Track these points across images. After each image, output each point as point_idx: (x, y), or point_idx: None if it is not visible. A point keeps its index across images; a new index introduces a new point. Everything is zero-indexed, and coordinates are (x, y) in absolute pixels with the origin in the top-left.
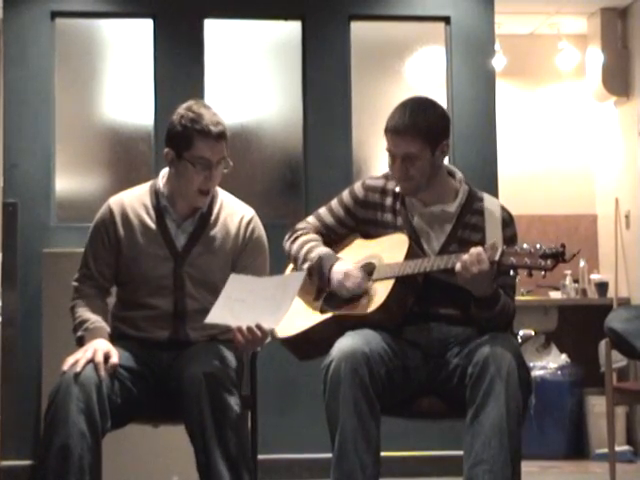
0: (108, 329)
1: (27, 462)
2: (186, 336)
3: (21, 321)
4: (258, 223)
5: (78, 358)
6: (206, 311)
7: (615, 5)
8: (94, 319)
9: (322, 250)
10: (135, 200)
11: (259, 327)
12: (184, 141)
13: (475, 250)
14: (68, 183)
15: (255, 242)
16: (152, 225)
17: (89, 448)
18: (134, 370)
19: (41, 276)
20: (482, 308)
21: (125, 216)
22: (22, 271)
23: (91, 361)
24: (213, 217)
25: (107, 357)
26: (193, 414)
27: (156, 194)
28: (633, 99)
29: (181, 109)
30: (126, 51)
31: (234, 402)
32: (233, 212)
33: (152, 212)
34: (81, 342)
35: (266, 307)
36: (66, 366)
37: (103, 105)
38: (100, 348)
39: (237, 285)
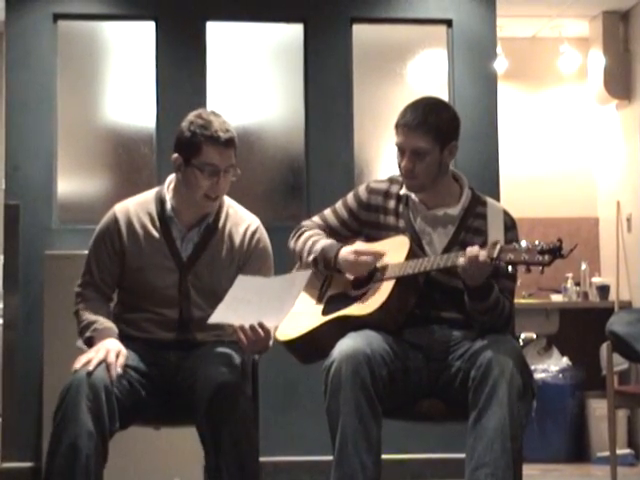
0: (116, 330)
1: (28, 464)
2: (193, 337)
3: (22, 323)
4: (263, 233)
5: (90, 357)
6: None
7: (617, 8)
8: (102, 320)
9: (326, 241)
10: (140, 209)
11: (261, 325)
12: (193, 147)
13: (473, 249)
14: (70, 185)
15: (260, 252)
16: (157, 235)
17: (96, 449)
18: (141, 371)
19: (43, 278)
20: (475, 300)
21: (130, 225)
22: (24, 273)
23: (103, 361)
24: (219, 228)
25: (118, 357)
26: (207, 417)
27: (161, 203)
28: (635, 102)
29: (191, 116)
30: (128, 53)
31: (249, 406)
32: (238, 222)
33: (157, 222)
34: (90, 343)
35: (270, 306)
36: (78, 365)
37: (105, 107)
38: (112, 349)
39: (244, 285)
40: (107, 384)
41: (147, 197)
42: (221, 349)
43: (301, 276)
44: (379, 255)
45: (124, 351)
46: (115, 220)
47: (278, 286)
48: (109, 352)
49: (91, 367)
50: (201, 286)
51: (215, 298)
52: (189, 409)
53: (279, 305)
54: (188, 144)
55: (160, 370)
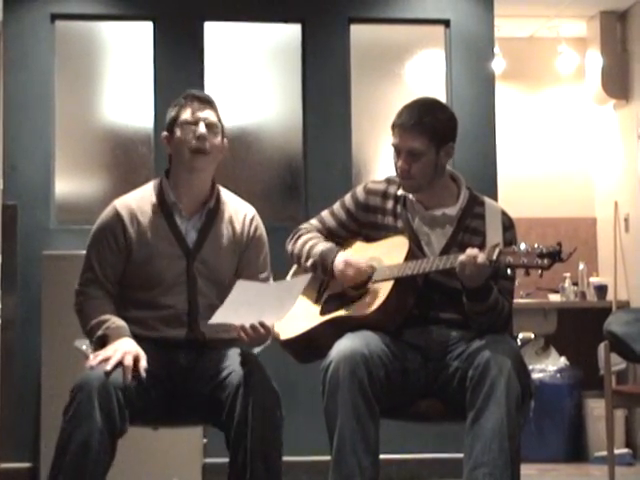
0: (128, 329)
1: (26, 464)
2: (202, 335)
3: (20, 323)
4: (259, 220)
5: (107, 356)
6: (215, 307)
7: (614, 8)
8: (114, 318)
9: (324, 245)
10: (142, 200)
11: (262, 324)
12: (174, 116)
13: (472, 251)
14: (68, 185)
15: (258, 239)
16: (162, 223)
17: (106, 449)
18: (152, 372)
19: (41, 278)
20: (474, 301)
21: (134, 218)
22: (22, 273)
23: (120, 362)
24: (220, 213)
25: (136, 361)
26: (240, 416)
27: (161, 191)
28: (632, 102)
29: None
30: (126, 54)
31: (279, 407)
32: (236, 209)
33: (160, 210)
34: (103, 341)
35: (270, 306)
36: (94, 362)
37: (103, 107)
38: (129, 351)
39: (243, 290)
40: (121, 385)
41: (146, 189)
42: (236, 349)
43: (301, 280)
44: (367, 272)
45: (142, 354)
46: (117, 214)
47: (278, 290)
48: (126, 354)
49: (109, 367)
50: (205, 272)
51: (217, 284)
52: (202, 409)
53: (279, 305)
54: (170, 117)
55: (169, 372)
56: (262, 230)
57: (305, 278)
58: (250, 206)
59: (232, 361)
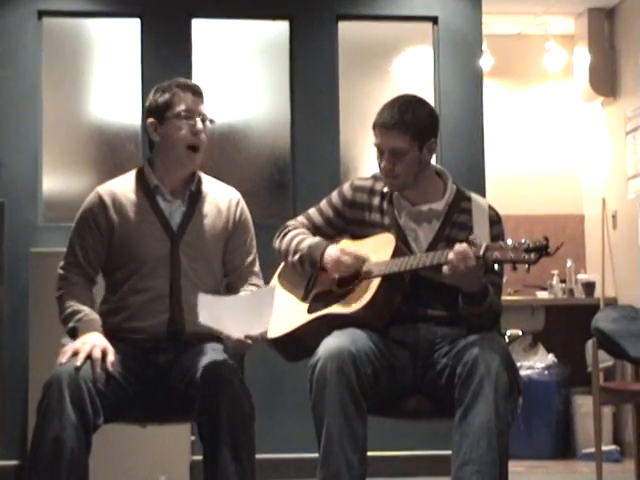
0: (100, 323)
1: (13, 462)
2: (182, 326)
3: (8, 321)
4: (244, 204)
5: (76, 349)
6: (199, 288)
7: (602, 5)
8: (87, 311)
9: (312, 240)
10: (124, 185)
11: (249, 337)
12: (165, 103)
13: (460, 247)
14: (55, 183)
15: (244, 223)
16: (145, 206)
17: (80, 442)
18: (130, 368)
19: (28, 276)
20: (471, 304)
21: (117, 201)
22: (9, 271)
23: (89, 356)
24: (203, 194)
25: (104, 354)
26: (205, 404)
27: (144, 177)
28: (620, 99)
29: (155, 87)
30: (113, 50)
31: (245, 392)
32: (220, 192)
33: (143, 194)
34: (74, 333)
35: (250, 320)
36: (64, 358)
37: (90, 104)
38: (98, 344)
39: (209, 303)
40: (91, 378)
41: (129, 176)
42: (212, 344)
43: (267, 291)
44: (362, 259)
45: (110, 348)
46: (99, 199)
47: (249, 302)
48: (94, 348)
49: (79, 362)
50: (191, 254)
51: (203, 266)
52: (179, 407)
53: (258, 315)
54: (159, 103)
55: (147, 371)
56: (247, 214)
57: (271, 289)
58: (234, 190)
59: (205, 357)
